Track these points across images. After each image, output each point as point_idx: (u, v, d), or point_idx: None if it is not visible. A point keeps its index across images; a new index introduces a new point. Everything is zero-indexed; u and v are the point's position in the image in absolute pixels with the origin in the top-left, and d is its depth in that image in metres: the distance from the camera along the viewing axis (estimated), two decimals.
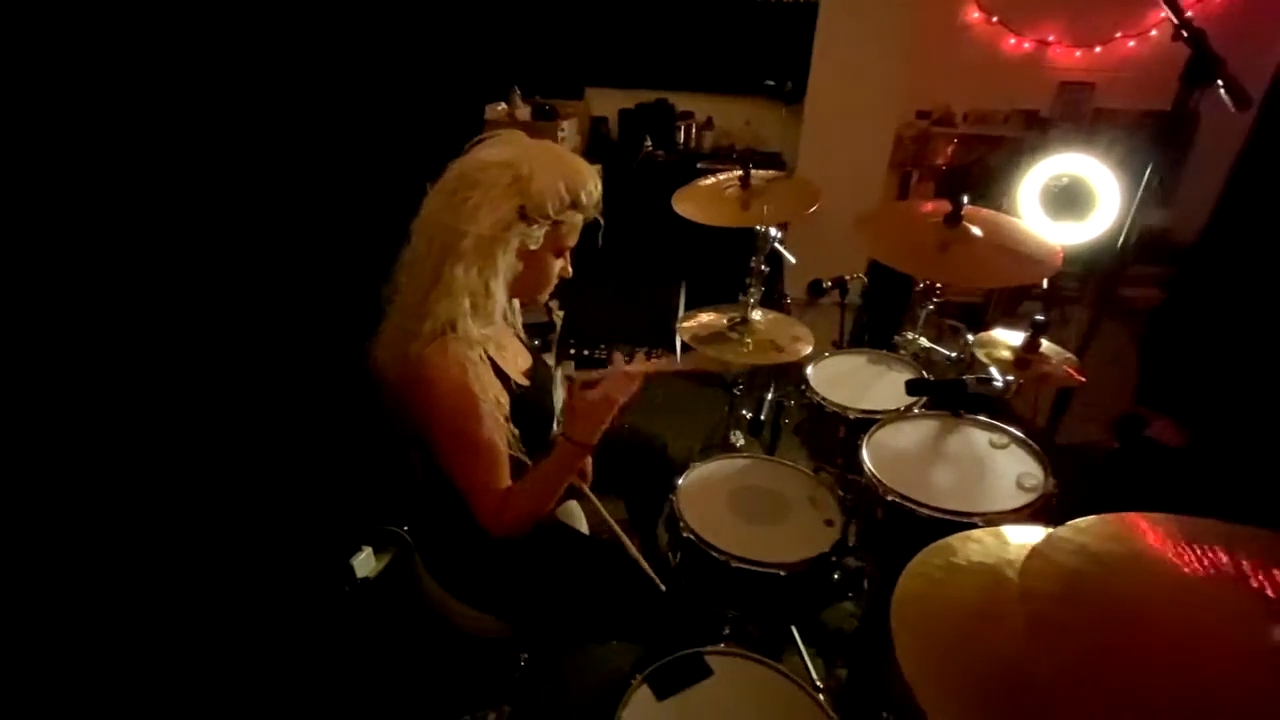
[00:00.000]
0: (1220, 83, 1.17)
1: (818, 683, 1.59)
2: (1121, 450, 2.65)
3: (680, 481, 1.49)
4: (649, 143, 2.91)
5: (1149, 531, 0.72)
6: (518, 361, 1.25)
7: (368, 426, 1.73)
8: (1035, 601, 0.64)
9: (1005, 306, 3.02)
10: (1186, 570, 0.66)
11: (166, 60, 1.36)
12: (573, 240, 1.16)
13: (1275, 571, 0.64)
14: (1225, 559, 0.67)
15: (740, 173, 1.83)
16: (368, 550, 2.04)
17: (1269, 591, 0.62)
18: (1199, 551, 0.68)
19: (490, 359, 1.14)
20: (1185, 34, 1.13)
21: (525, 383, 1.21)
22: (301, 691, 1.59)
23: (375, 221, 2.00)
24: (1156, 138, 1.48)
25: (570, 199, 1.08)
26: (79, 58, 1.17)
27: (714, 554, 1.32)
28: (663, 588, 1.23)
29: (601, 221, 1.19)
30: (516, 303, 1.31)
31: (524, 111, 2.92)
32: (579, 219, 1.14)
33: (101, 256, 1.28)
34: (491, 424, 1.09)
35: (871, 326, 2.75)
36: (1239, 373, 2.50)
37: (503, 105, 2.90)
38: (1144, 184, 1.39)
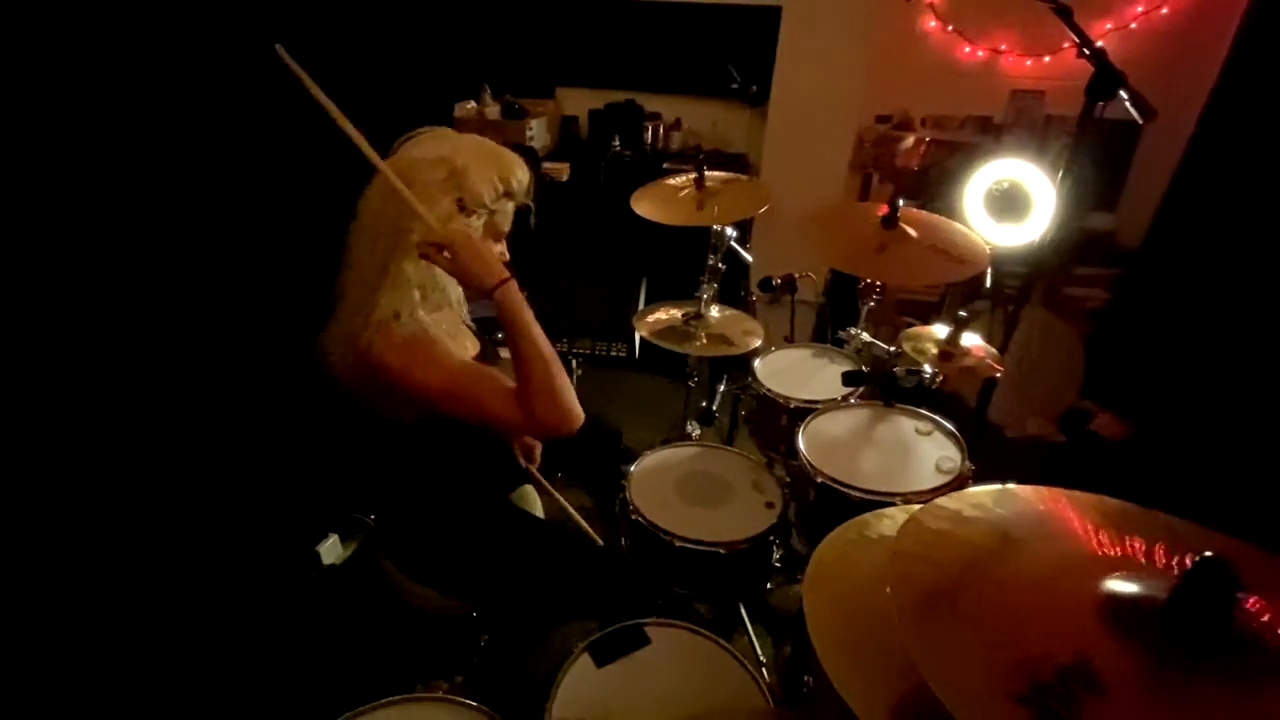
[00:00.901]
0: (1124, 95, 1.26)
1: (761, 658, 1.68)
2: (1068, 443, 2.78)
3: (632, 469, 1.57)
4: (617, 142, 2.98)
5: (1037, 500, 0.81)
6: (466, 347, 1.31)
7: (331, 415, 1.78)
8: (901, 559, 0.72)
9: (960, 304, 3.14)
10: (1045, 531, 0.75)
11: (130, 61, 1.40)
12: (506, 226, 1.20)
13: (1110, 533, 0.73)
14: (1076, 520, 0.77)
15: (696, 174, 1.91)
16: (334, 537, 2.10)
17: (1103, 549, 0.72)
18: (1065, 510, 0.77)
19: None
20: (1087, 52, 1.23)
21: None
22: (266, 671, 1.64)
23: (339, 218, 2.05)
24: (1097, 145, 1.57)
25: (503, 188, 1.12)
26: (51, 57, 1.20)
27: (659, 534, 1.40)
28: (599, 542, 1.28)
29: (532, 206, 1.22)
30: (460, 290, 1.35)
31: (494, 110, 2.97)
32: (511, 206, 1.18)
33: (59, 256, 1.32)
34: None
35: (834, 323, 2.86)
36: (1179, 370, 2.63)
37: (472, 103, 2.95)
38: (1064, 186, 1.48)
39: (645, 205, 1.87)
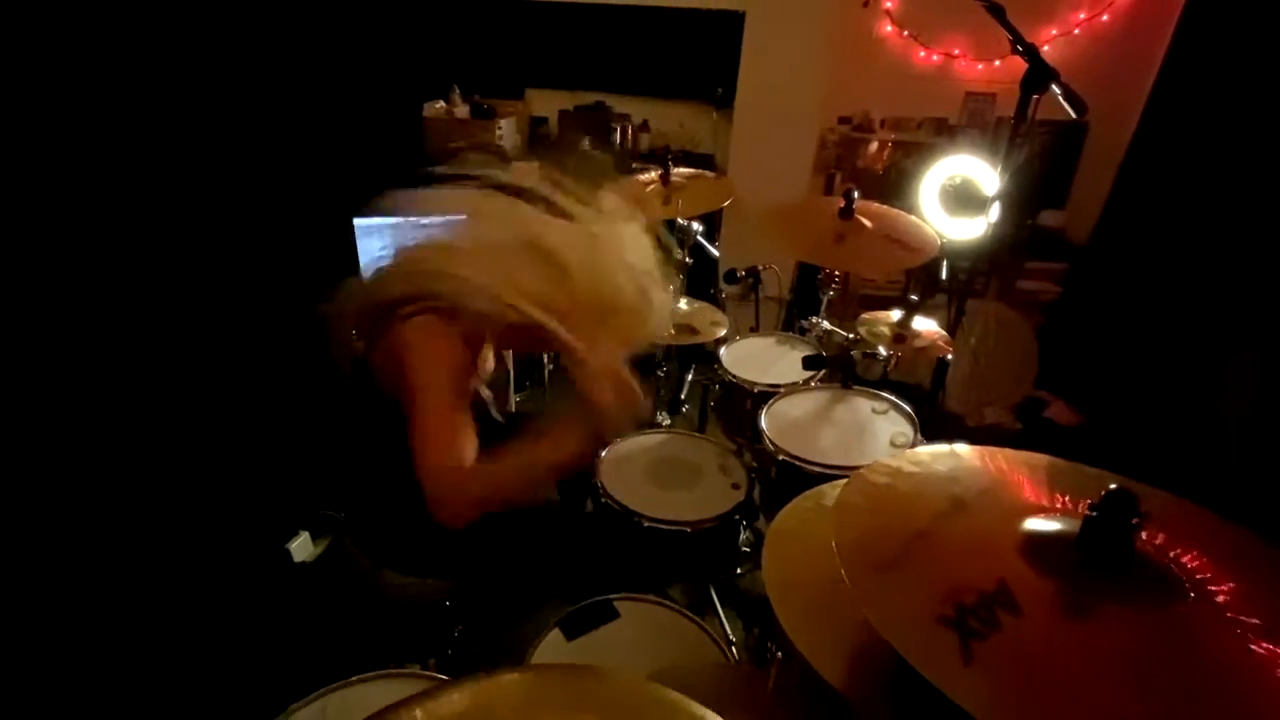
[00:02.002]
0: (1057, 90, 1.35)
1: (731, 638, 1.73)
2: (1024, 431, 2.89)
3: (603, 454, 1.61)
4: (587, 143, 3.03)
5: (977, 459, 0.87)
6: (488, 364, 1.31)
7: (303, 411, 1.78)
8: (843, 509, 0.77)
9: (922, 297, 3.26)
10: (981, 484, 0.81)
11: (109, 58, 1.40)
12: None
13: (1042, 486, 0.80)
14: (1010, 475, 0.83)
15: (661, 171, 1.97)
16: (304, 535, 2.09)
17: (1033, 498, 0.78)
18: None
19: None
20: (1020, 48, 1.31)
21: (487, 393, 1.29)
22: (236, 664, 1.63)
23: (313, 215, 2.06)
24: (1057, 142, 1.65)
25: None
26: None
27: (628, 515, 1.44)
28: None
29: None
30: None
31: (463, 110, 3.00)
32: None
33: (27, 252, 1.32)
34: (461, 392, 1.06)
35: (798, 317, 2.94)
36: (1126, 360, 2.77)
37: (441, 103, 2.97)
38: (1008, 179, 1.56)
39: None
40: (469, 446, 1.01)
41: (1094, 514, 0.63)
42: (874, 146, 3.29)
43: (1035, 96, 1.34)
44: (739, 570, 2.00)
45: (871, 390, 1.54)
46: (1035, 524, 0.70)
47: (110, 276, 1.48)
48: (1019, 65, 3.23)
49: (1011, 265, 3.17)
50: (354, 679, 1.05)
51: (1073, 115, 1.44)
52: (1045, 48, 2.97)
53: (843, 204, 1.69)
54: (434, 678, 1.08)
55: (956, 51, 3.05)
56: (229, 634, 1.67)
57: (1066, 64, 1.51)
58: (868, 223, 1.67)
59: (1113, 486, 0.64)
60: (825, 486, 1.15)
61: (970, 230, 2.35)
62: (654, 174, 1.99)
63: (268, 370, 1.80)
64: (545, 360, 2.40)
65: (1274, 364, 2.23)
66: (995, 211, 1.60)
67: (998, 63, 3.04)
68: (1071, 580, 0.63)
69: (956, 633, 0.55)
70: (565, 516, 1.67)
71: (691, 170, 2.04)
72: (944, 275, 2.30)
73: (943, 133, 3.24)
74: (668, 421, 2.12)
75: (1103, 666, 0.55)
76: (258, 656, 1.63)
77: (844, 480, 1.16)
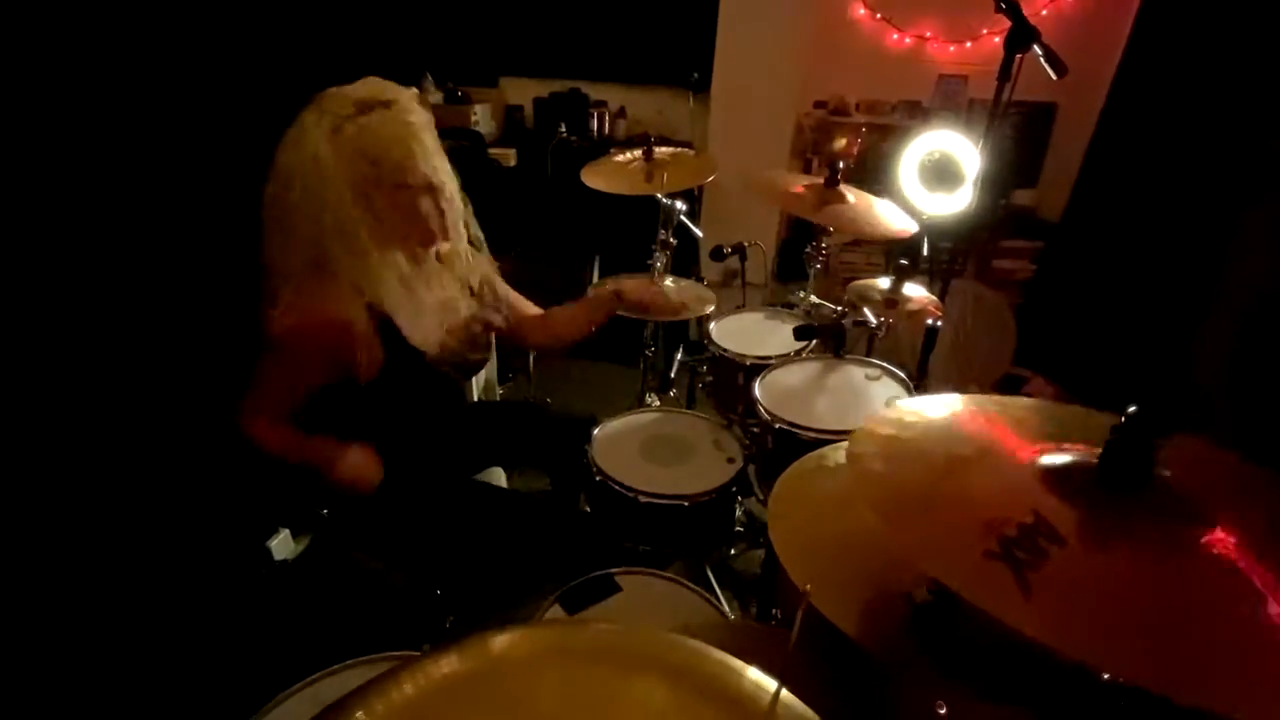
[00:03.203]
0: (1038, 50, 1.36)
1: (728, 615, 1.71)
2: None
3: (596, 432, 1.58)
4: (564, 129, 2.99)
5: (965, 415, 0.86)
6: (445, 319, 1.29)
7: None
8: (857, 460, 0.75)
9: (898, 278, 3.29)
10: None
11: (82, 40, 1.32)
12: None
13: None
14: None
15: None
16: (285, 532, 2.02)
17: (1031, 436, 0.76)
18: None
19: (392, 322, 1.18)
20: (1004, 5, 1.31)
21: (435, 350, 1.25)
22: (224, 663, 1.57)
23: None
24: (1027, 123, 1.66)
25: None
26: None
27: (624, 492, 1.41)
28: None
29: None
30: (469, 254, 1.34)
31: (436, 97, 2.94)
32: None
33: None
34: (306, 372, 1.16)
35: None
36: (1100, 333, 2.82)
37: (414, 90, 2.90)
38: (987, 162, 1.57)
39: (596, 178, 1.88)
40: (285, 408, 1.18)
41: (1116, 436, 0.62)
42: (843, 142, 3.31)
43: (1019, 56, 1.34)
44: (732, 550, 1.98)
45: (863, 358, 1.54)
46: (1051, 458, 0.69)
47: (74, 271, 1.41)
48: (990, 47, 3.28)
49: (987, 244, 3.21)
50: (347, 662, 1.01)
51: (1053, 76, 1.45)
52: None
53: (827, 174, 1.69)
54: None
55: (928, 34, 3.09)
56: (211, 633, 1.60)
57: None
58: (852, 198, 1.67)
59: (1132, 409, 0.63)
60: (825, 449, 1.14)
61: (950, 206, 2.37)
62: (636, 153, 1.96)
63: (238, 361, 1.73)
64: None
65: (1243, 330, 2.29)
66: (975, 185, 1.61)
67: (969, 44, 3.09)
68: (1098, 506, 0.62)
69: (1008, 565, 0.54)
70: (556, 502, 1.64)
71: (673, 148, 2.02)
72: (925, 253, 2.31)
73: (916, 115, 3.27)
74: (656, 403, 2.09)
75: (1145, 587, 0.53)
76: (245, 653, 1.56)
77: (840, 442, 1.17)
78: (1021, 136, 3.18)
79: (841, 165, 1.66)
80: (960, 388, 2.97)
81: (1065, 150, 3.16)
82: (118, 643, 1.48)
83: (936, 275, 3.00)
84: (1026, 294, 3.24)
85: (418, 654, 1.02)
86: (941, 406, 0.86)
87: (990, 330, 3.16)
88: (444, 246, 1.27)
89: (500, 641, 0.60)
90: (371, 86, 1.12)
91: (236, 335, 1.55)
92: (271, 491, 1.96)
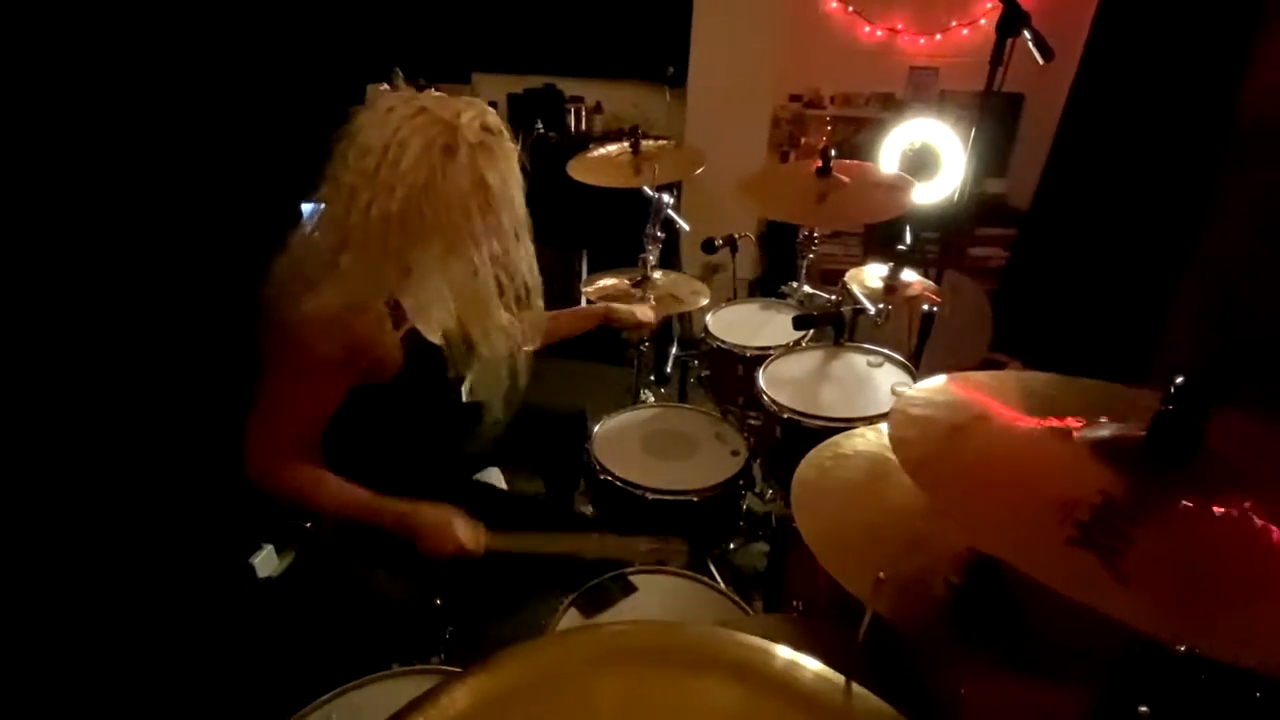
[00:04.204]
0: (1028, 35, 1.37)
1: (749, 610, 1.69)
2: None
3: (596, 430, 1.54)
4: (540, 125, 2.94)
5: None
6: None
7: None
8: (902, 445, 0.73)
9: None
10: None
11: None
12: None
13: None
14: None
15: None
16: (268, 548, 1.93)
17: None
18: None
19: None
20: None
21: (438, 339, 1.19)
22: (219, 687, 1.49)
23: (259, 207, 1.92)
24: (995, 114, 1.69)
25: None
26: None
27: (631, 490, 1.38)
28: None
29: None
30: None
31: (407, 93, 2.85)
32: None
33: None
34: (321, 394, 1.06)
35: (768, 289, 2.95)
36: (1073, 316, 2.90)
37: (385, 87, 2.82)
38: (971, 151, 1.59)
39: (582, 171, 1.85)
40: (304, 443, 1.07)
41: (1168, 406, 0.61)
42: (809, 139, 3.33)
43: (1010, 40, 1.35)
44: (731, 545, 1.97)
45: (864, 346, 1.54)
46: (1092, 432, 0.69)
47: (51, 276, 1.32)
48: (959, 39, 3.33)
49: (963, 232, 3.27)
50: (359, 682, 0.95)
51: (1040, 61, 1.47)
52: (982, 20, 3.08)
53: (820, 164, 1.68)
54: (445, 671, 0.99)
55: (899, 26, 3.13)
56: (200, 659, 1.52)
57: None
58: (846, 179, 1.67)
59: (1180, 380, 0.62)
60: (839, 437, 1.13)
61: (931, 195, 2.40)
62: (622, 145, 1.93)
63: (217, 369, 1.65)
64: None
65: (1211, 305, 2.36)
66: (966, 171, 1.62)
67: (938, 37, 3.13)
68: (1149, 479, 0.61)
69: (1093, 552, 0.52)
70: (552, 507, 1.59)
71: (659, 140, 2.00)
72: (907, 239, 2.34)
73: (890, 107, 3.31)
74: (652, 400, 2.07)
75: (1216, 560, 0.53)
76: (238, 679, 1.48)
77: (854, 430, 1.16)
78: (991, 126, 3.25)
79: (834, 153, 1.65)
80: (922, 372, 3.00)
81: (1033, 139, 3.23)
82: (98, 675, 1.39)
83: (924, 264, 3.05)
84: (1002, 281, 3.31)
85: (428, 667, 0.98)
86: (952, 386, 0.86)
87: (968, 317, 3.22)
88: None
89: (552, 648, 0.57)
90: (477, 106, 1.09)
91: (203, 332, 1.47)
92: (251, 505, 1.88)
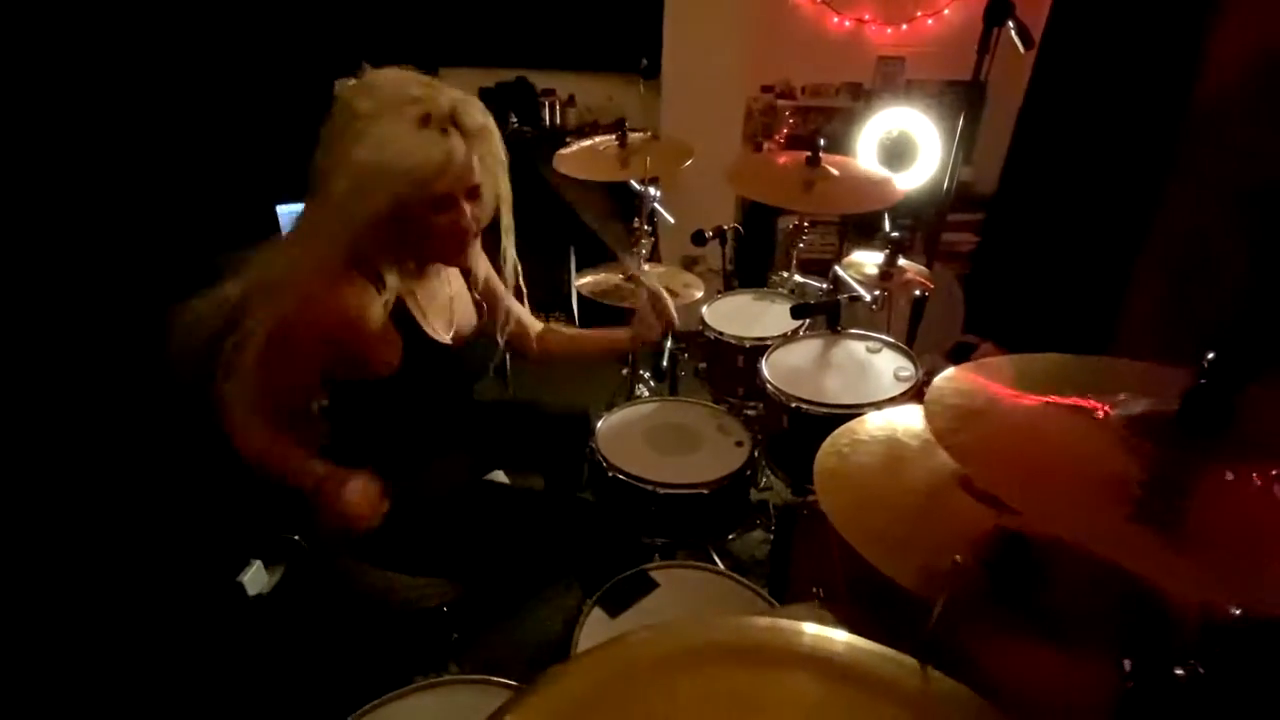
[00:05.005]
0: (1011, 24, 1.40)
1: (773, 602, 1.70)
2: None
3: (599, 427, 1.53)
4: (515, 120, 2.89)
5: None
6: (454, 318, 1.21)
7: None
8: (945, 435, 0.74)
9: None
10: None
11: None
12: None
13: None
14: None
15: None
16: (257, 564, 1.86)
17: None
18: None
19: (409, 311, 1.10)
20: None
21: (445, 340, 1.17)
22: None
23: (233, 204, 1.84)
24: (960, 102, 1.72)
25: None
26: None
27: (642, 486, 1.37)
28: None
29: None
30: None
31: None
32: None
33: None
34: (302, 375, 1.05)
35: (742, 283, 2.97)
36: (1040, 295, 2.99)
37: (352, 81, 2.73)
38: (957, 139, 1.62)
39: (569, 164, 1.82)
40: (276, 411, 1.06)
41: (1202, 380, 0.63)
42: (774, 136, 3.36)
43: (996, 29, 1.38)
44: (730, 535, 1.98)
45: (861, 332, 1.56)
46: (1125, 409, 0.71)
47: (23, 282, 1.24)
48: (924, 29, 3.39)
49: (936, 218, 3.35)
50: (392, 695, 0.93)
51: (1021, 49, 1.51)
52: (946, 11, 3.15)
53: (808, 154, 1.69)
54: (497, 682, 0.95)
55: (866, 16, 3.17)
56: (199, 685, 1.46)
57: (966, 28, 1.53)
58: (834, 171, 1.68)
59: (1211, 355, 0.64)
60: (853, 424, 1.14)
61: (909, 182, 2.45)
62: (608, 137, 1.92)
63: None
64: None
65: (1171, 281, 2.47)
66: (954, 158, 1.66)
67: (905, 27, 3.18)
68: (1186, 453, 0.64)
69: (1154, 527, 0.53)
70: (553, 503, 1.57)
71: (644, 132, 1.98)
72: (886, 227, 2.38)
73: (859, 97, 3.35)
74: (646, 393, 2.06)
75: (1263, 520, 0.55)
76: (250, 700, 1.43)
77: (867, 415, 1.17)
78: (956, 115, 3.32)
79: (823, 143, 1.67)
80: (919, 357, 3.06)
81: (996, 125, 3.32)
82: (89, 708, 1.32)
83: (897, 249, 3.10)
84: (972, 264, 3.40)
85: (458, 677, 0.96)
86: (961, 374, 0.88)
87: (940, 301, 3.29)
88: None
89: (619, 654, 0.56)
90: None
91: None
92: (240, 519, 1.81)
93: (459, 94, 1.02)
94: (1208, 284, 2.22)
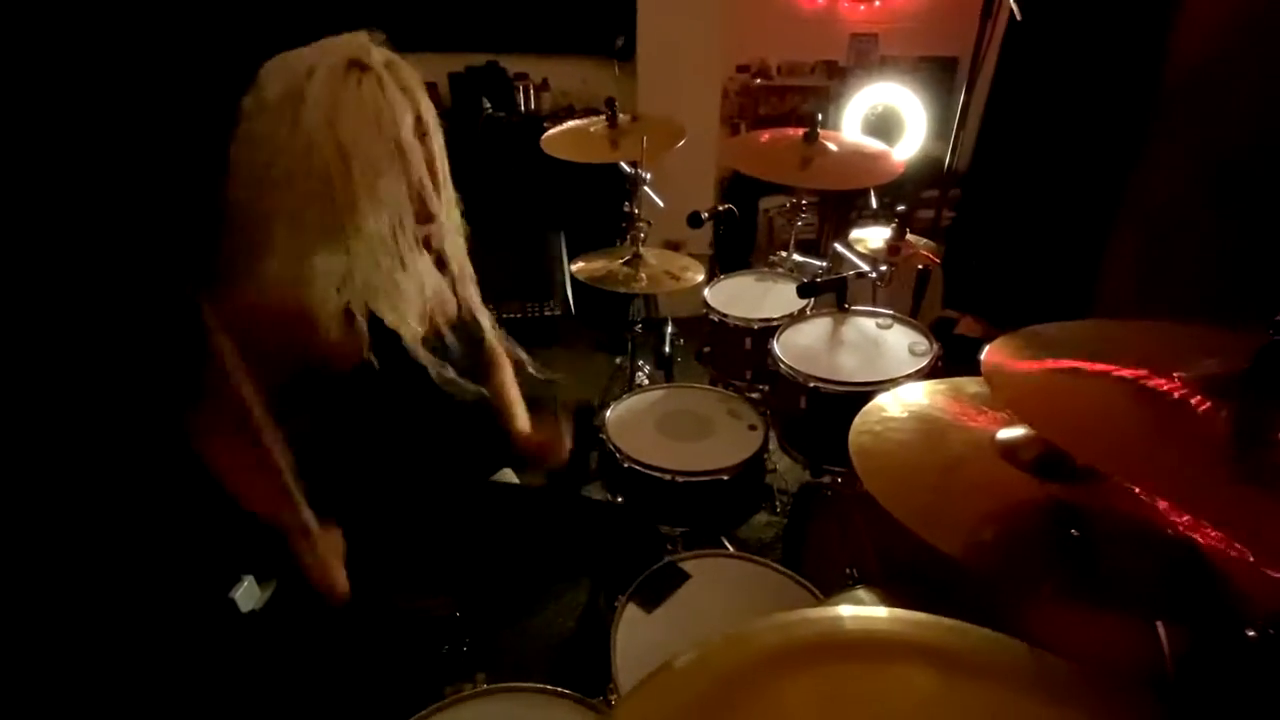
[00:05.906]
0: None
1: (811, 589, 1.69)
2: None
3: (608, 416, 1.48)
4: (489, 105, 2.79)
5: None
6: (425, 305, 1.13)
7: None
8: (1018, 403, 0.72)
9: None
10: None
11: None
12: None
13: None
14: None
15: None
16: (248, 580, 1.77)
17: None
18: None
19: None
20: None
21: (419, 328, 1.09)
22: None
23: (200, 198, 1.72)
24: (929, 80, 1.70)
25: None
26: None
27: (659, 475, 1.34)
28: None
29: None
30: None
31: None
32: None
33: None
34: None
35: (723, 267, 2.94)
36: (1017, 270, 3.04)
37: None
38: (958, 114, 1.61)
39: (558, 147, 1.76)
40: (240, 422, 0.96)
41: (1275, 336, 0.62)
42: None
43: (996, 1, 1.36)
44: (748, 519, 1.96)
45: (869, 309, 1.54)
46: (1195, 371, 0.69)
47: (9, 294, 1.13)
48: (896, 5, 3.38)
49: (912, 195, 3.37)
50: (440, 705, 0.87)
51: (1018, 16, 1.51)
52: None
53: (805, 130, 1.67)
54: (558, 692, 0.91)
55: None
56: (188, 702, 1.37)
57: (938, 3, 1.49)
58: (833, 146, 1.66)
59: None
60: (879, 401, 1.12)
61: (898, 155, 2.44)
62: (596, 119, 1.85)
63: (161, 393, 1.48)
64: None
65: (1143, 250, 2.52)
66: (957, 133, 1.65)
67: (877, 3, 3.18)
68: (1255, 412, 0.63)
69: (1257, 487, 0.52)
70: (556, 500, 1.52)
71: (632, 114, 1.92)
72: (873, 204, 2.37)
73: (834, 75, 3.35)
74: (646, 380, 2.02)
75: None
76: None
77: (893, 390, 1.15)
78: (929, 91, 3.34)
79: (821, 117, 1.64)
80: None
81: (970, 101, 3.35)
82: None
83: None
84: (949, 240, 3.44)
85: (498, 685, 0.91)
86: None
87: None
88: (433, 228, 1.13)
89: (720, 656, 0.52)
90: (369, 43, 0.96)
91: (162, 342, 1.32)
92: (229, 532, 1.71)
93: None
94: (1184, 252, 2.28)
